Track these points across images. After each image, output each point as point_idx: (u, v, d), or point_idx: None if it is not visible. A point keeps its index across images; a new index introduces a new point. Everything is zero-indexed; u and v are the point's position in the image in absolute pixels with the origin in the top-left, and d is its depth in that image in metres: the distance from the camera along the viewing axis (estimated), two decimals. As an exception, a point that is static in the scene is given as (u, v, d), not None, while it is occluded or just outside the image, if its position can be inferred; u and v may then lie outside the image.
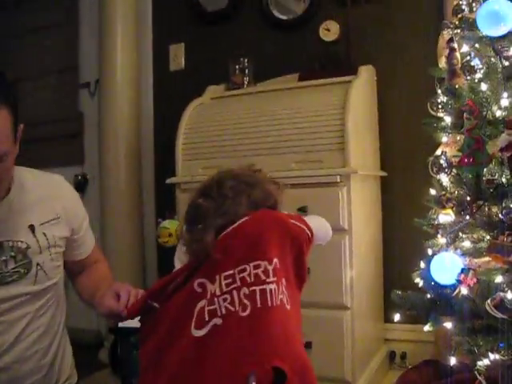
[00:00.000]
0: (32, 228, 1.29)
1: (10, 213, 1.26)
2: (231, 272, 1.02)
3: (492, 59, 1.63)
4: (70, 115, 3.27)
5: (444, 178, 1.76)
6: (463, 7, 1.74)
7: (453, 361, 1.68)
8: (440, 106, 1.80)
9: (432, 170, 1.74)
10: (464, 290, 1.57)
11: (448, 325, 1.67)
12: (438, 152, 1.77)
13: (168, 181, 2.34)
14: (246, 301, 0.99)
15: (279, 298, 1.01)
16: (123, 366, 1.98)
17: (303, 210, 1.95)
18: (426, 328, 1.76)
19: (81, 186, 3.13)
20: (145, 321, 1.12)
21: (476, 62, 1.65)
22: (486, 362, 1.56)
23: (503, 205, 1.51)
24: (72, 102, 3.26)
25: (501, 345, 1.51)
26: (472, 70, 1.64)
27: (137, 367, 1.97)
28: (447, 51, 1.73)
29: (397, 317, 1.97)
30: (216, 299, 1.01)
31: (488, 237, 1.62)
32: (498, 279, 1.52)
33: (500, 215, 1.53)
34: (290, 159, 2.09)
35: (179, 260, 1.21)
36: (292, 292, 1.05)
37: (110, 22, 2.79)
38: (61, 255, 1.36)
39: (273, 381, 0.95)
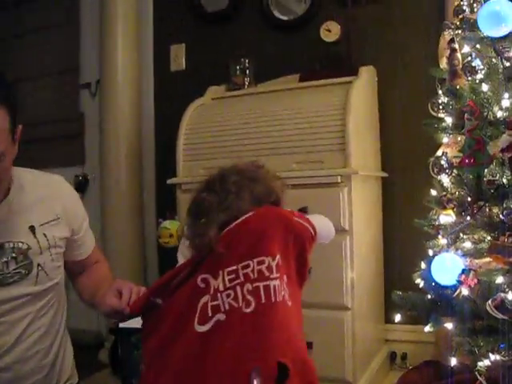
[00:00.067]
0: (32, 229, 1.29)
1: (9, 214, 1.26)
2: (234, 268, 1.02)
3: (493, 60, 1.63)
4: (71, 115, 3.27)
5: (445, 179, 1.75)
6: (464, 8, 1.74)
7: (453, 361, 1.68)
8: (441, 107, 1.80)
9: (433, 171, 1.74)
10: (465, 291, 1.57)
11: (449, 325, 1.66)
12: (439, 153, 1.77)
13: (169, 181, 2.34)
14: (249, 297, 1.00)
15: (282, 294, 1.01)
16: (123, 366, 1.99)
17: (304, 210, 1.95)
18: (427, 329, 1.76)
19: (81, 186, 3.13)
20: (147, 317, 1.12)
21: (477, 63, 1.65)
22: (486, 362, 1.56)
23: (504, 205, 1.51)
24: (73, 103, 3.26)
25: (501, 345, 1.51)
26: (473, 71, 1.64)
27: (137, 367, 1.97)
28: (448, 52, 1.73)
29: (397, 317, 1.97)
30: (219, 295, 1.01)
31: (489, 237, 1.62)
32: (499, 280, 1.51)
33: (501, 216, 1.53)
34: (291, 160, 2.09)
35: (182, 255, 1.21)
36: (293, 289, 1.05)
37: (111, 22, 2.79)
38: (61, 256, 1.36)
39: (275, 376, 0.95)
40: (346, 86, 2.13)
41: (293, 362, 0.98)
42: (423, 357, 2.16)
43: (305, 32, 2.60)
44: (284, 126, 2.13)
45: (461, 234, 1.70)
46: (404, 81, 2.43)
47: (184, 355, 1.02)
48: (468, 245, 1.67)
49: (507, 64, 1.59)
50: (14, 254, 1.25)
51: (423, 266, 1.81)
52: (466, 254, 1.63)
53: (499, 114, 1.58)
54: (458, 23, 1.75)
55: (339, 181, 2.00)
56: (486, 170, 1.56)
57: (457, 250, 1.66)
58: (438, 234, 1.76)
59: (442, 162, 1.70)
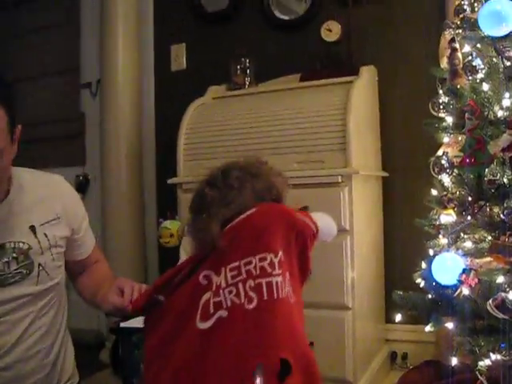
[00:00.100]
0: (33, 229, 1.29)
1: (10, 214, 1.26)
2: (236, 264, 1.02)
3: (494, 59, 1.63)
4: (72, 115, 3.27)
5: (445, 179, 1.75)
6: (465, 7, 1.74)
7: (454, 361, 1.68)
8: (441, 107, 1.80)
9: (433, 171, 1.74)
10: (465, 291, 1.57)
11: (449, 325, 1.66)
12: (440, 152, 1.77)
13: (169, 181, 2.34)
14: (251, 293, 1.00)
15: (285, 290, 1.01)
16: (124, 366, 1.98)
17: (305, 210, 1.95)
18: (428, 328, 1.76)
19: (82, 186, 3.13)
20: (150, 314, 1.11)
21: (478, 62, 1.65)
22: (487, 362, 1.56)
23: (505, 205, 1.51)
24: (73, 103, 3.26)
25: (502, 345, 1.51)
26: (474, 70, 1.64)
27: (138, 367, 1.97)
28: (449, 51, 1.73)
29: (398, 317, 1.97)
30: (221, 291, 1.01)
31: (489, 237, 1.62)
32: (500, 279, 1.51)
33: (501, 215, 1.52)
34: (292, 159, 2.09)
35: (185, 251, 1.21)
36: (295, 286, 1.05)
37: (111, 21, 2.79)
38: (62, 255, 1.36)
39: (278, 372, 0.96)
40: (347, 86, 2.13)
41: (295, 358, 0.98)
42: (424, 356, 2.16)
43: (305, 32, 2.60)
44: (285, 125, 2.13)
45: (461, 234, 1.70)
46: (405, 80, 2.43)
47: (185, 352, 1.02)
48: (469, 244, 1.67)
49: (508, 63, 1.59)
50: (14, 254, 1.25)
51: (424, 265, 1.81)
52: (466, 254, 1.63)
53: (500, 113, 1.58)
54: (458, 23, 1.75)
55: (340, 180, 2.00)
56: (486, 170, 1.56)
57: (457, 249, 1.66)
58: (439, 233, 1.76)
59: (443, 162, 1.70)
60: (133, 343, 1.93)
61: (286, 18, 2.67)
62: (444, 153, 1.73)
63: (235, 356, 0.97)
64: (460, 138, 1.73)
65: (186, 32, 2.91)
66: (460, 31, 1.73)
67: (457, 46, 1.71)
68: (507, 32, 1.55)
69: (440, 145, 1.83)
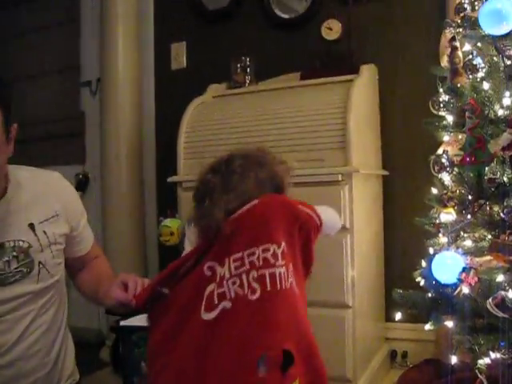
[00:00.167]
0: (32, 226, 1.28)
1: (8, 213, 1.26)
2: (240, 255, 1.02)
3: (494, 58, 1.63)
4: (72, 114, 3.27)
5: (445, 177, 1.76)
6: (465, 6, 1.73)
7: (454, 360, 1.68)
8: (442, 105, 1.80)
9: (433, 169, 1.74)
10: (465, 289, 1.57)
11: (449, 324, 1.67)
12: (440, 151, 1.77)
13: (169, 179, 2.34)
14: (255, 284, 1.00)
15: (289, 281, 1.02)
16: (124, 364, 1.99)
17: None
18: (427, 327, 1.76)
19: (82, 185, 3.13)
20: (154, 307, 1.12)
21: (478, 61, 1.65)
22: (486, 360, 1.56)
23: (505, 204, 1.51)
24: (73, 101, 3.26)
25: (502, 344, 1.51)
26: (474, 69, 1.64)
27: (138, 366, 1.98)
28: (449, 50, 1.73)
29: (398, 316, 1.97)
30: (225, 282, 1.02)
31: (489, 236, 1.62)
32: (499, 278, 1.52)
33: (501, 214, 1.52)
34: (292, 158, 2.07)
35: (189, 241, 1.21)
36: (298, 278, 1.06)
37: (111, 20, 2.79)
38: (62, 252, 1.36)
39: (281, 363, 0.96)
40: (347, 85, 2.13)
41: (298, 349, 0.99)
42: (424, 355, 2.17)
43: (306, 30, 2.60)
44: (285, 124, 2.13)
45: (461, 233, 1.70)
46: (405, 79, 2.43)
47: (190, 343, 1.03)
48: (468, 243, 1.67)
49: (508, 62, 1.59)
50: (14, 253, 1.25)
51: (424, 264, 1.81)
52: (466, 253, 1.63)
53: (500, 112, 1.58)
54: (459, 21, 1.74)
55: (340, 179, 2.00)
56: (486, 169, 1.56)
57: (457, 248, 1.66)
58: (439, 232, 1.76)
59: (443, 161, 1.70)
60: (133, 342, 1.94)
61: (287, 16, 2.66)
62: (444, 151, 1.73)
63: (239, 347, 0.98)
64: (460, 137, 1.73)
65: (187, 30, 2.91)
66: (460, 30, 1.73)
67: (457, 44, 1.71)
68: (508, 31, 1.55)
69: (440, 143, 1.83)
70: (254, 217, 1.05)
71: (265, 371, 0.96)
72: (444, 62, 1.83)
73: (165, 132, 2.87)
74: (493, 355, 1.54)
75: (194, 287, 1.05)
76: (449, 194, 1.70)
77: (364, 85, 2.21)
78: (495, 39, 1.59)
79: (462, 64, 1.69)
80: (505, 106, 1.57)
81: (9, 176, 1.28)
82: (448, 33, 1.78)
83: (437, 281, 1.67)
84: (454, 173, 1.72)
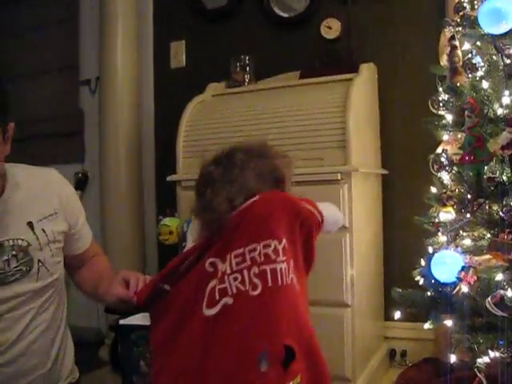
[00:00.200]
0: (31, 225, 1.28)
1: (6, 212, 1.25)
2: (241, 251, 1.02)
3: (493, 57, 1.63)
4: (71, 112, 3.27)
5: (445, 176, 1.76)
6: (465, 5, 1.73)
7: (453, 358, 1.68)
8: (441, 104, 1.80)
9: (433, 168, 1.74)
10: (464, 288, 1.57)
11: (448, 322, 1.67)
12: (439, 150, 1.77)
13: (169, 178, 2.34)
14: (256, 280, 1.00)
15: (290, 277, 1.02)
16: (124, 363, 1.99)
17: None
18: (426, 326, 1.76)
19: (81, 183, 3.13)
20: (156, 304, 1.12)
21: (477, 60, 1.65)
22: (485, 359, 1.56)
23: (504, 203, 1.51)
24: (72, 100, 3.26)
25: (501, 342, 1.52)
26: (473, 68, 1.64)
27: (137, 364, 1.98)
28: (448, 49, 1.73)
29: (397, 315, 1.97)
30: (226, 277, 1.02)
31: (488, 235, 1.62)
32: (499, 277, 1.52)
33: (501, 213, 1.53)
34: (291, 156, 2.08)
35: (192, 235, 1.21)
36: (299, 274, 1.06)
37: (111, 18, 2.79)
38: (61, 250, 1.36)
39: (282, 359, 0.97)
40: (347, 83, 2.13)
41: (299, 345, 0.99)
42: (423, 354, 2.17)
43: (305, 29, 2.60)
44: (284, 123, 2.13)
45: (461, 231, 1.70)
46: (404, 78, 2.43)
47: (192, 339, 1.03)
48: (468, 242, 1.67)
49: (508, 61, 1.59)
50: (14, 252, 1.24)
51: (423, 263, 1.81)
52: (465, 251, 1.64)
53: (499, 111, 1.58)
54: (458, 20, 1.74)
55: (339, 178, 1.99)
56: (486, 168, 1.56)
57: (456, 247, 1.66)
58: (438, 231, 1.76)
59: (442, 160, 1.70)
60: (132, 340, 1.94)
61: (286, 15, 2.66)
62: (443, 150, 1.73)
63: (240, 343, 0.98)
64: (459, 136, 1.73)
65: (186, 29, 2.90)
66: (460, 29, 1.73)
67: (457, 43, 1.71)
68: (507, 29, 1.55)
69: (439, 142, 1.83)
70: (255, 213, 1.06)
71: (266, 367, 0.96)
72: (443, 60, 1.83)
73: (164, 131, 2.87)
74: (492, 354, 1.54)
75: (196, 284, 1.05)
76: (448, 192, 1.70)
77: (363, 84, 2.21)
78: (495, 38, 1.59)
79: (461, 63, 1.69)
80: (504, 104, 1.57)
81: (6, 175, 1.27)
82: (447, 32, 1.78)
83: (436, 280, 1.67)
84: (454, 172, 1.72)
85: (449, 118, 1.77)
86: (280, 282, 1.00)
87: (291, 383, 0.98)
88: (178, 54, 2.93)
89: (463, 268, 1.58)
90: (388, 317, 2.36)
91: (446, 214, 1.72)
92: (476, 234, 1.66)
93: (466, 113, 1.62)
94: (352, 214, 2.00)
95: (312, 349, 1.03)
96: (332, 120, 2.05)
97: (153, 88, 3.00)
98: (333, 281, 1.99)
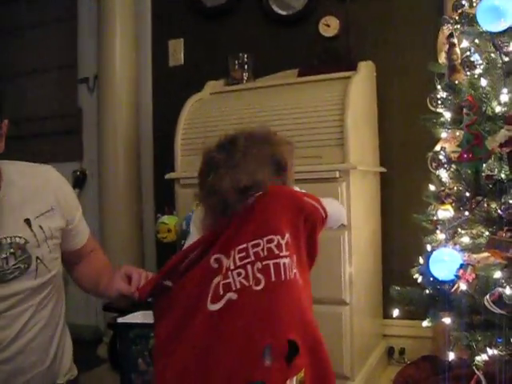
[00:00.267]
0: (28, 222, 1.27)
1: (3, 210, 1.25)
2: (244, 246, 1.03)
3: (492, 55, 1.63)
4: (69, 111, 3.26)
5: (443, 174, 1.76)
6: (463, 2, 1.73)
7: (451, 356, 1.68)
8: (439, 102, 1.80)
9: (431, 166, 1.74)
10: (463, 286, 1.58)
11: (446, 320, 1.67)
12: (438, 148, 1.77)
13: (167, 176, 2.33)
14: (259, 275, 1.01)
15: (293, 271, 1.02)
16: (122, 361, 1.99)
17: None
18: (425, 324, 1.76)
19: (79, 181, 3.12)
20: (158, 301, 1.12)
21: (476, 58, 1.65)
22: (484, 357, 1.56)
23: (502, 200, 1.51)
24: (71, 98, 3.25)
25: (499, 340, 1.52)
26: (472, 66, 1.64)
27: (136, 362, 1.98)
28: (447, 46, 1.73)
29: (395, 312, 1.98)
30: (230, 273, 1.02)
31: (487, 232, 1.62)
32: (497, 275, 1.52)
33: (499, 211, 1.53)
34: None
35: (195, 226, 1.21)
36: (303, 269, 1.07)
37: (109, 17, 2.78)
38: (58, 247, 1.35)
39: (286, 353, 0.97)
40: (345, 81, 2.13)
41: (303, 340, 0.99)
42: (421, 352, 2.17)
43: (303, 27, 2.60)
44: (282, 120, 2.13)
45: (459, 229, 1.70)
46: (403, 76, 2.43)
47: (196, 334, 1.03)
48: (466, 240, 1.67)
49: (506, 59, 1.59)
50: (12, 250, 1.24)
51: (421, 261, 1.81)
52: (464, 249, 1.64)
53: (498, 108, 1.58)
54: (456, 18, 1.74)
55: (338, 176, 1.99)
56: (484, 165, 1.56)
57: (455, 244, 1.67)
58: (437, 228, 1.76)
59: (441, 157, 1.70)
60: (130, 338, 1.94)
61: (284, 13, 2.66)
62: (442, 148, 1.73)
63: (245, 338, 0.98)
64: (458, 134, 1.73)
65: (184, 27, 2.90)
66: (458, 26, 1.73)
67: (455, 41, 1.71)
68: (505, 27, 1.55)
69: (438, 140, 1.83)
70: (259, 208, 1.06)
71: (270, 361, 0.96)
72: (442, 58, 1.83)
73: (162, 129, 2.86)
74: (490, 352, 1.54)
75: (201, 280, 1.06)
76: (446, 190, 1.70)
77: (362, 82, 2.21)
78: (493, 36, 1.60)
79: (459, 61, 1.69)
80: (502, 102, 1.57)
81: (1, 173, 1.27)
82: (446, 29, 1.78)
83: (434, 277, 1.68)
84: (452, 169, 1.72)
85: (447, 115, 1.77)
86: (283, 276, 1.01)
87: (295, 378, 0.99)
88: (177, 52, 2.92)
89: (461, 266, 1.59)
90: (386, 315, 2.36)
91: (445, 212, 1.72)
92: (474, 231, 1.67)
93: (465, 110, 1.62)
94: (350, 212, 2.00)
95: (316, 344, 1.03)
96: (330, 118, 2.05)
97: (151, 86, 2.99)
98: (331, 279, 1.99)
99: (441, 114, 1.80)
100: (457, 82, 1.70)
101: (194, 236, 1.18)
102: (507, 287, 1.46)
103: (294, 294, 1.02)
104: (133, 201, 2.82)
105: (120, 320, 1.97)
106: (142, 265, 2.85)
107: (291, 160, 1.16)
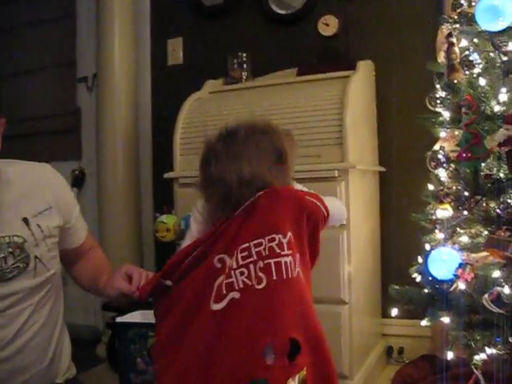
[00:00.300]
0: (26, 221, 1.27)
1: (0, 209, 1.24)
2: (247, 245, 1.03)
3: (491, 54, 1.63)
4: (68, 110, 3.26)
5: (442, 173, 1.76)
6: (462, 2, 1.74)
7: (450, 355, 1.68)
8: (438, 101, 1.80)
9: (430, 165, 1.74)
10: (461, 285, 1.58)
11: (445, 319, 1.67)
12: (436, 147, 1.78)
13: (166, 175, 2.33)
14: (261, 274, 1.01)
15: (296, 270, 1.03)
16: (121, 360, 1.99)
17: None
18: (424, 323, 1.76)
19: (78, 181, 3.12)
20: (159, 301, 1.12)
21: (475, 57, 1.65)
22: (482, 356, 1.56)
23: (501, 200, 1.51)
24: (69, 97, 3.25)
25: (497, 339, 1.52)
26: (471, 65, 1.64)
27: (134, 362, 1.98)
28: (446, 46, 1.73)
29: (394, 312, 1.98)
30: (233, 272, 1.03)
31: (486, 232, 1.62)
32: (496, 274, 1.52)
33: (498, 210, 1.53)
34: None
35: (195, 221, 1.21)
36: (305, 268, 1.07)
37: (108, 15, 2.78)
38: (56, 245, 1.35)
39: (288, 351, 0.97)
40: (344, 81, 2.13)
41: (305, 338, 0.99)
42: (420, 351, 2.17)
43: (302, 26, 2.60)
44: (281, 120, 2.12)
45: (458, 229, 1.70)
46: (402, 75, 2.43)
47: (198, 333, 1.04)
48: (465, 239, 1.68)
49: (505, 58, 1.59)
50: (10, 249, 1.23)
51: (420, 260, 1.81)
52: (462, 248, 1.64)
53: (496, 108, 1.58)
54: (455, 17, 1.75)
55: (336, 175, 1.99)
56: (483, 165, 1.57)
57: (454, 244, 1.67)
58: (435, 228, 1.77)
59: (440, 157, 1.71)
60: (129, 338, 1.94)
61: (283, 12, 2.65)
62: (441, 147, 1.73)
63: (247, 336, 0.99)
64: (457, 133, 1.73)
65: (183, 26, 2.90)
66: (457, 26, 1.74)
67: (454, 40, 1.71)
68: (504, 27, 1.55)
69: (437, 139, 1.83)
70: (261, 207, 1.06)
71: (272, 359, 0.96)
72: (441, 58, 1.83)
73: (161, 128, 2.86)
74: (489, 351, 1.54)
75: (204, 280, 1.06)
76: (445, 190, 1.70)
77: (361, 81, 2.21)
78: (492, 35, 1.60)
79: (458, 60, 1.69)
80: (501, 101, 1.57)
81: None
82: (445, 29, 1.78)
83: (433, 277, 1.68)
84: (451, 169, 1.72)
85: (446, 115, 1.77)
86: (285, 275, 1.01)
87: (297, 376, 0.99)
88: (176, 51, 2.92)
89: (460, 265, 1.59)
90: (385, 314, 2.37)
91: (443, 211, 1.72)
92: (473, 231, 1.67)
93: (463, 110, 1.62)
94: (349, 212, 1.99)
95: (318, 343, 1.03)
96: (329, 117, 2.05)
97: (150, 85, 2.99)
98: (330, 278, 1.99)
99: (440, 114, 1.80)
100: (456, 81, 1.70)
101: (193, 232, 1.18)
102: (506, 286, 1.46)
103: (296, 292, 1.03)
104: (131, 200, 2.82)
105: (119, 319, 1.97)
106: (140, 264, 2.85)
107: (291, 152, 1.16)
